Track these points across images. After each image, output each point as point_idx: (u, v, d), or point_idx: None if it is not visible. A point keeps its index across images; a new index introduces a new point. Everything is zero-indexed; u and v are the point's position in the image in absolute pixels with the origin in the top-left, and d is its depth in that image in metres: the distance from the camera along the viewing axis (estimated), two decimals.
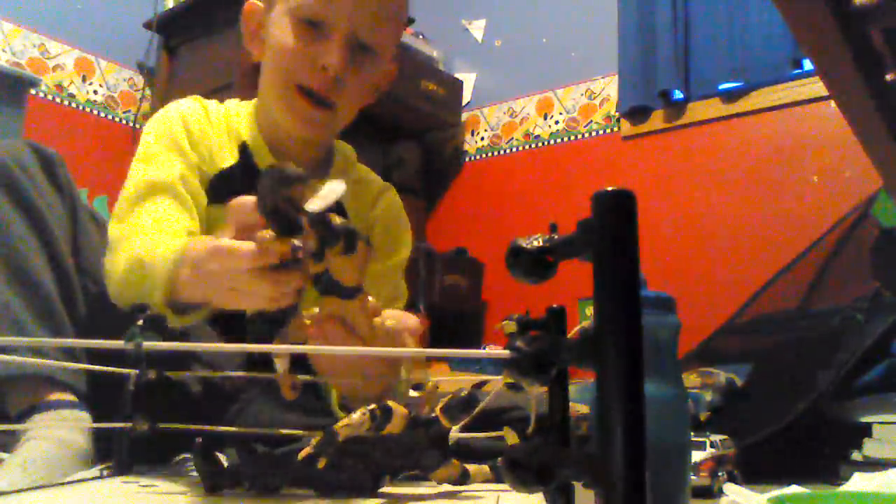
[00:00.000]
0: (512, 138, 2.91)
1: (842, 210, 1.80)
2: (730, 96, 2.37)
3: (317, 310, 0.64)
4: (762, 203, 2.26)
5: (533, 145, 2.85)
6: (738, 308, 1.84)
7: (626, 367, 0.26)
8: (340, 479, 0.60)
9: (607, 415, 0.26)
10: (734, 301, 1.88)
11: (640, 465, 0.26)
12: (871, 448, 1.28)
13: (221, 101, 1.05)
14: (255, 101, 1.04)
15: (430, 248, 2.60)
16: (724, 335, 1.78)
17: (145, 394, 0.70)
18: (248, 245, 0.59)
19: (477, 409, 0.60)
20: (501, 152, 2.93)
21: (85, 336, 0.79)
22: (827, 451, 1.33)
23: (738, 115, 2.36)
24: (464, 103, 3.00)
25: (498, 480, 0.67)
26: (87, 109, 2.58)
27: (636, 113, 2.53)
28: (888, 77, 0.64)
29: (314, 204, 0.54)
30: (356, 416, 0.56)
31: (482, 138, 2.99)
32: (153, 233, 0.81)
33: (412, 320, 0.72)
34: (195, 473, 0.71)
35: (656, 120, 2.51)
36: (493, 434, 0.64)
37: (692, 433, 0.72)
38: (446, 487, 0.65)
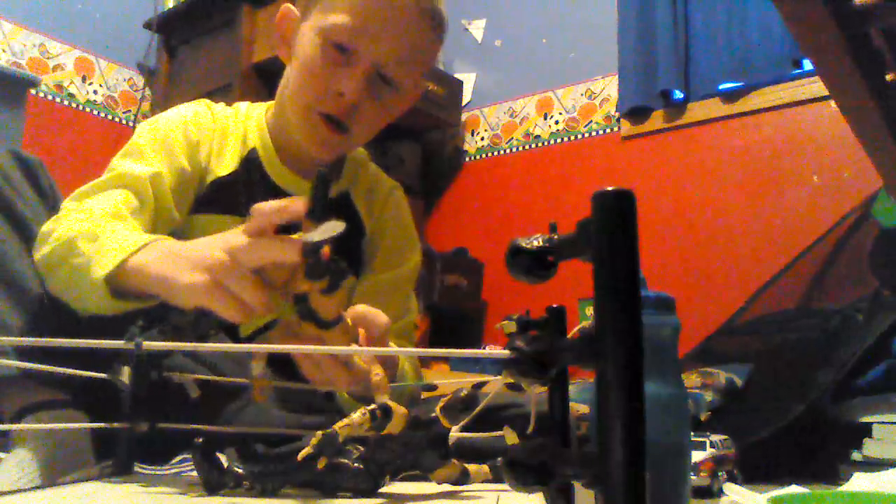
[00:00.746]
0: (512, 138, 2.91)
1: (842, 210, 1.80)
2: (730, 96, 2.37)
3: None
4: (762, 203, 2.26)
5: (533, 145, 2.85)
6: (738, 308, 1.84)
7: (626, 367, 0.26)
8: (340, 480, 0.60)
9: (607, 415, 0.26)
10: (734, 301, 1.88)
11: (640, 465, 0.26)
12: (871, 448, 1.28)
13: (221, 101, 1.05)
14: (266, 105, 1.03)
15: (430, 248, 2.60)
16: (724, 335, 1.78)
17: (144, 394, 0.70)
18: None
19: (476, 410, 0.60)
20: (501, 152, 2.93)
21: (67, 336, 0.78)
22: (827, 451, 1.33)
23: (738, 115, 2.35)
24: (464, 103, 3.00)
25: (497, 480, 0.67)
26: (87, 109, 2.58)
27: (636, 113, 2.53)
28: (888, 77, 0.64)
29: (313, 236, 0.57)
30: (356, 415, 0.56)
31: (482, 138, 2.99)
32: (106, 217, 0.79)
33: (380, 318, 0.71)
34: (195, 473, 0.71)
35: (656, 120, 2.51)
36: (493, 434, 0.64)
37: (692, 433, 0.72)
38: (446, 487, 0.65)
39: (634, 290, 0.27)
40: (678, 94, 2.46)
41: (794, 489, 0.85)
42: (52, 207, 0.87)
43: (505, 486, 0.56)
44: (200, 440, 0.60)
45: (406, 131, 2.87)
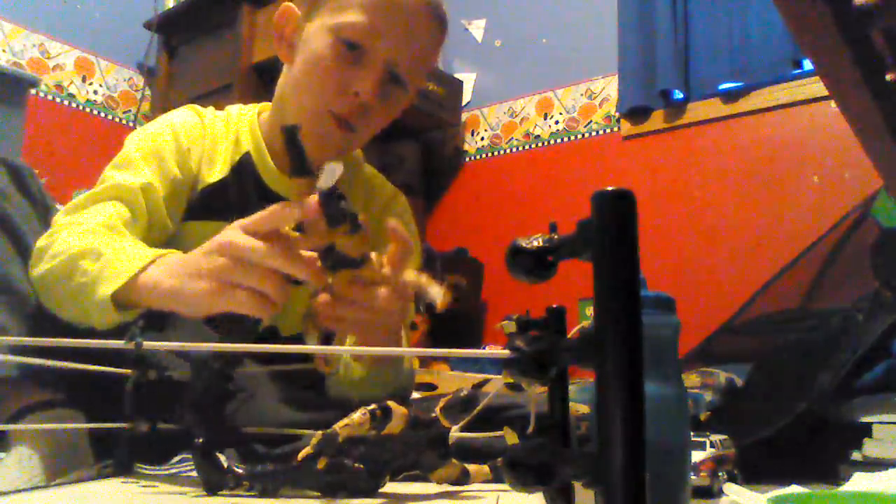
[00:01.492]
0: (512, 138, 2.91)
1: (842, 210, 1.80)
2: (730, 96, 2.37)
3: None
4: (762, 203, 2.26)
5: (533, 145, 2.85)
6: (738, 308, 1.84)
7: (626, 367, 0.26)
8: (340, 480, 0.60)
9: (607, 415, 0.26)
10: (734, 301, 1.88)
11: (640, 465, 0.26)
12: (871, 448, 1.28)
13: (221, 101, 1.04)
14: (259, 107, 1.02)
15: (430, 248, 2.60)
16: (724, 335, 1.78)
17: (144, 393, 0.70)
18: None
19: (476, 410, 0.60)
20: (501, 152, 2.93)
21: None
22: (827, 451, 1.33)
23: (738, 115, 2.35)
24: (464, 103, 3.00)
25: (497, 480, 0.67)
26: (87, 109, 2.58)
27: (636, 113, 2.53)
28: (888, 77, 0.64)
29: (322, 182, 0.57)
30: (357, 415, 0.57)
31: (482, 138, 2.99)
32: (102, 231, 0.79)
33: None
34: (195, 473, 0.71)
35: (656, 120, 2.51)
36: (494, 434, 0.64)
37: (692, 433, 0.72)
38: (446, 487, 0.65)
39: (634, 290, 0.27)
40: (678, 94, 2.46)
41: (794, 489, 0.85)
42: (43, 214, 0.87)
43: (505, 487, 0.56)
44: (200, 440, 0.60)
45: (406, 131, 2.87)
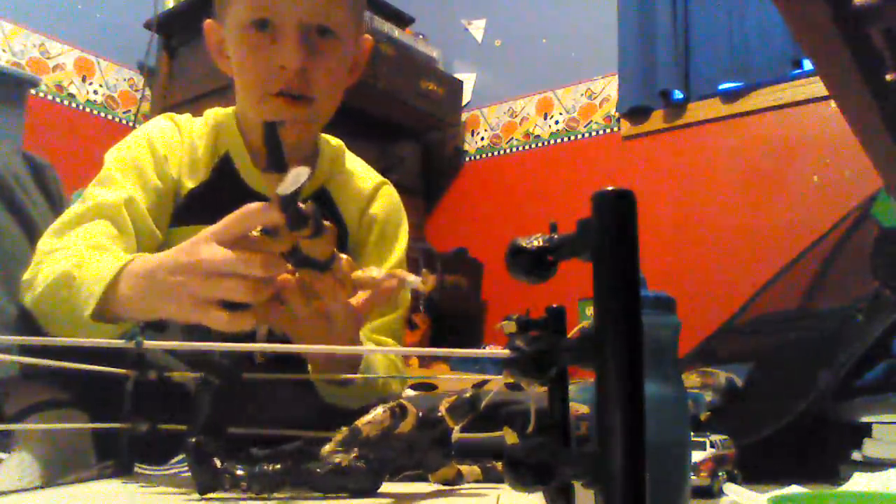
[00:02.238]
0: (512, 138, 2.91)
1: (842, 210, 1.80)
2: (730, 96, 2.37)
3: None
4: (762, 203, 2.26)
5: (533, 145, 2.85)
6: (738, 308, 1.84)
7: (626, 367, 0.26)
8: (340, 479, 0.60)
9: (607, 415, 0.26)
10: (734, 301, 1.88)
11: (639, 465, 0.26)
12: (871, 448, 1.28)
13: (221, 101, 1.04)
14: (234, 109, 1.02)
15: (430, 248, 2.60)
16: (724, 335, 1.78)
17: (144, 394, 0.70)
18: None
19: (477, 411, 0.60)
20: (501, 152, 2.94)
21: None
22: (827, 451, 1.33)
23: (738, 115, 2.36)
24: (464, 103, 3.00)
25: (488, 480, 0.67)
26: (87, 109, 2.58)
27: (636, 113, 2.53)
28: (888, 77, 0.64)
29: (283, 189, 0.57)
30: (379, 412, 0.57)
31: (482, 138, 2.99)
32: (83, 253, 0.78)
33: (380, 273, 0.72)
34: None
35: (656, 120, 2.51)
36: (494, 434, 0.64)
37: (692, 433, 0.72)
38: (448, 488, 0.65)
39: (634, 290, 0.27)
40: (678, 94, 2.46)
41: (794, 489, 0.85)
42: (58, 211, 0.87)
43: (505, 486, 0.56)
44: (194, 440, 0.60)
45: (406, 131, 2.87)
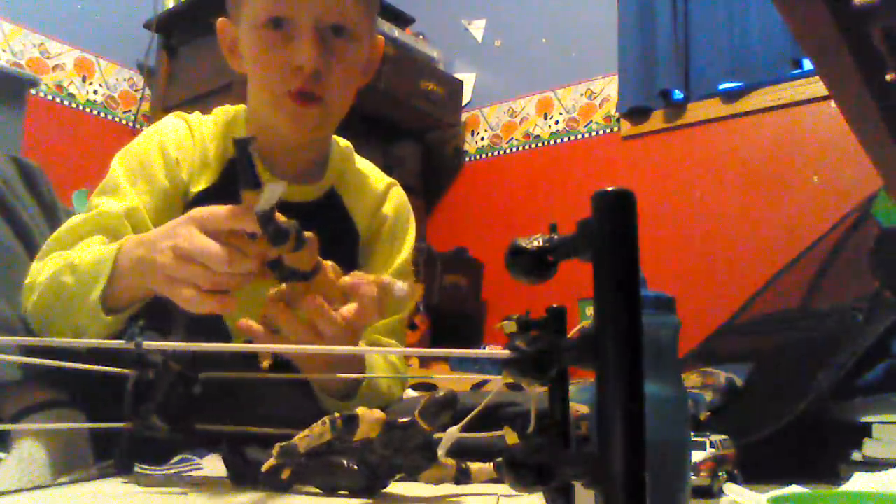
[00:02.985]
0: (512, 138, 2.91)
1: (842, 210, 1.80)
2: (730, 96, 2.37)
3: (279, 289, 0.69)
4: (762, 203, 2.26)
5: (533, 145, 2.85)
6: (738, 308, 1.84)
7: (626, 367, 0.26)
8: (341, 480, 0.60)
9: (607, 415, 0.26)
10: (734, 301, 1.88)
11: (640, 465, 0.26)
12: (871, 448, 1.28)
13: (221, 101, 1.04)
14: (244, 107, 1.02)
15: (430, 248, 2.60)
16: (724, 335, 1.78)
17: (144, 393, 0.70)
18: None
19: (476, 410, 0.60)
20: (501, 152, 2.93)
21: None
22: (827, 451, 1.33)
23: (738, 115, 2.35)
24: (464, 103, 3.00)
25: (502, 479, 0.67)
26: (87, 109, 2.58)
27: (636, 113, 2.53)
28: (888, 77, 0.64)
29: (260, 206, 0.59)
30: (316, 427, 0.57)
31: (482, 138, 2.99)
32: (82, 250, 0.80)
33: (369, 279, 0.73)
34: (195, 473, 0.71)
35: (656, 120, 2.51)
36: (494, 434, 0.64)
37: (692, 433, 0.72)
38: (448, 488, 0.65)
39: (634, 290, 0.27)
40: (678, 94, 2.46)
41: (794, 489, 0.85)
42: (50, 214, 0.87)
43: (505, 488, 0.56)
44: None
45: (406, 131, 2.87)
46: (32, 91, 2.10)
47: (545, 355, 0.30)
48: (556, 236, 0.31)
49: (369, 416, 0.58)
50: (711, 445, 0.89)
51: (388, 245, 1.04)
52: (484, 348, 2.36)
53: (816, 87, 2.13)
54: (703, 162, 2.41)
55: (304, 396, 0.84)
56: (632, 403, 0.26)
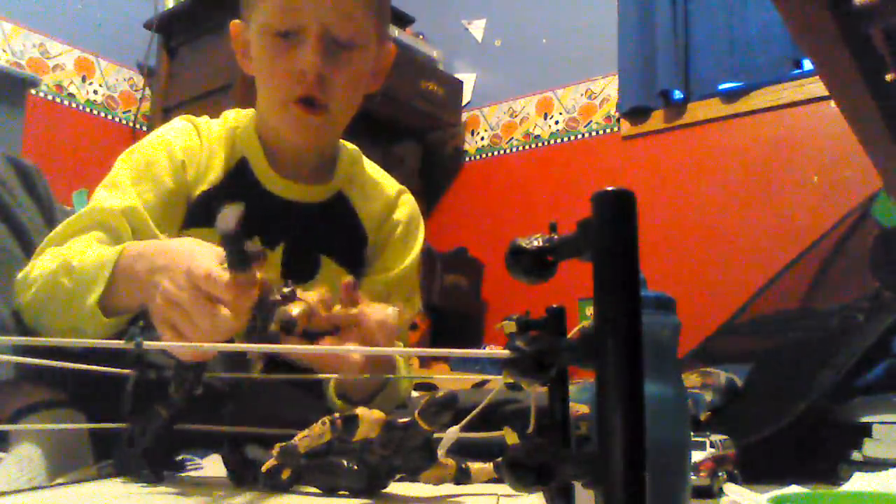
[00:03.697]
0: (512, 138, 2.91)
1: (842, 210, 1.80)
2: (730, 96, 2.37)
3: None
4: (762, 203, 2.26)
5: (533, 145, 2.85)
6: (738, 308, 1.84)
7: (626, 367, 0.26)
8: (341, 480, 0.60)
9: (607, 415, 0.26)
10: (734, 301, 1.88)
11: (640, 465, 0.26)
12: (871, 448, 1.28)
13: (221, 101, 1.04)
14: (253, 111, 1.03)
15: (430, 248, 2.60)
16: (724, 335, 1.78)
17: (144, 393, 0.70)
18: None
19: (476, 411, 0.60)
20: (501, 152, 2.93)
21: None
22: (827, 451, 1.33)
23: (738, 115, 2.35)
24: (464, 103, 3.00)
25: (502, 479, 0.67)
26: (87, 109, 2.58)
27: (636, 113, 2.53)
28: (888, 77, 0.64)
29: (221, 227, 0.56)
30: (316, 427, 0.57)
31: (482, 138, 2.99)
32: (81, 249, 0.79)
33: (381, 314, 0.71)
34: (194, 473, 0.71)
35: (656, 120, 2.51)
36: (494, 434, 0.64)
37: (692, 433, 0.72)
38: (448, 488, 0.65)
39: (634, 290, 0.27)
40: (678, 94, 2.46)
41: (794, 489, 0.85)
42: (47, 214, 0.88)
43: (505, 488, 0.56)
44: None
45: (406, 131, 2.87)
46: (32, 91, 2.10)
47: (545, 355, 0.30)
48: (556, 236, 0.31)
49: (369, 416, 0.58)
50: (711, 445, 0.89)
51: (398, 247, 1.05)
52: (484, 348, 2.36)
53: (816, 87, 2.13)
54: (703, 162, 2.41)
55: (305, 396, 0.84)
56: (632, 403, 0.26)
